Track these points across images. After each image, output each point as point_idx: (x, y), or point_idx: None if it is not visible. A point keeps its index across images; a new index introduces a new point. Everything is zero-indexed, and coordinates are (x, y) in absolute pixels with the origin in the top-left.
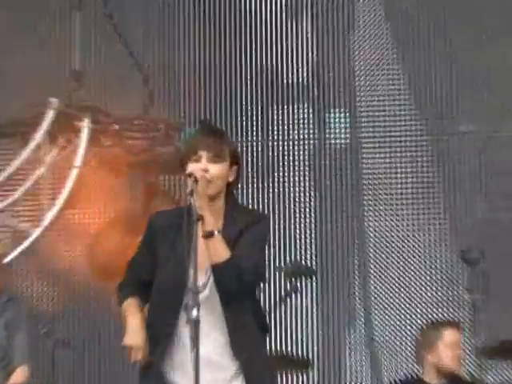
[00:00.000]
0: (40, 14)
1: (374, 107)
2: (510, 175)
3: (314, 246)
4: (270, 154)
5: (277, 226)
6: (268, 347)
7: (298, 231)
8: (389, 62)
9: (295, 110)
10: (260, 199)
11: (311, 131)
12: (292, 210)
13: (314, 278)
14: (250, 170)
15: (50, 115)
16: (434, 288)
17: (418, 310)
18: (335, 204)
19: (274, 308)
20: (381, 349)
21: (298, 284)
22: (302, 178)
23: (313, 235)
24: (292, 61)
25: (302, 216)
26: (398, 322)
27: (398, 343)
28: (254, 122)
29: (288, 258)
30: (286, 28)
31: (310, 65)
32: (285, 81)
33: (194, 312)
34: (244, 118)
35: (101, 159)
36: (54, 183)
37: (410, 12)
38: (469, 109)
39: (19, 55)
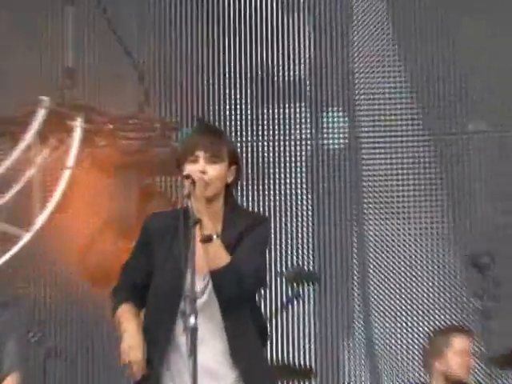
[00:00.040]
0: (32, 11)
1: (373, 106)
2: None
3: (311, 249)
4: (271, 154)
5: (275, 228)
6: (268, 354)
7: (294, 233)
8: (388, 60)
9: (294, 110)
10: (256, 200)
11: (310, 131)
12: (289, 212)
13: (316, 284)
14: (246, 171)
15: (41, 114)
16: (436, 293)
17: (419, 316)
18: (333, 206)
19: (276, 314)
20: (380, 354)
21: (300, 290)
22: (300, 180)
23: (310, 237)
24: (290, 60)
25: (299, 218)
26: (397, 327)
27: (397, 348)
28: (255, 122)
29: (289, 262)
30: (283, 27)
31: (308, 64)
32: (283, 80)
33: (192, 320)
34: (241, 118)
35: (94, 160)
36: (46, 185)
37: (409, 10)
38: (470, 109)
39: (10, 53)
